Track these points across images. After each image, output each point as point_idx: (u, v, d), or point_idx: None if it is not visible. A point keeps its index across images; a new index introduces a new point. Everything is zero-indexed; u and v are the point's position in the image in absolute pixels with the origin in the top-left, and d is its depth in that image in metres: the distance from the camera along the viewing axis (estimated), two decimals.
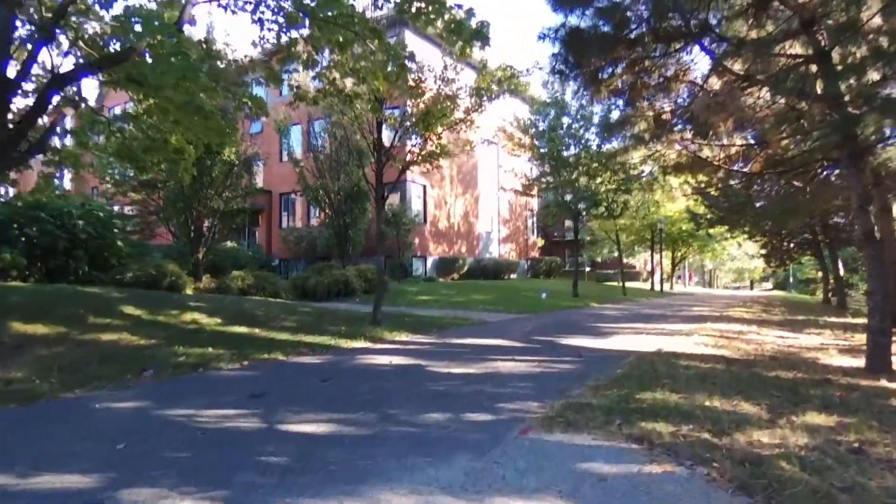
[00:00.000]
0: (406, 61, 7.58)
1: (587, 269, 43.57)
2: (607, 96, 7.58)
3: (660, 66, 7.25)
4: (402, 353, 6.64)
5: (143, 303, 8.74)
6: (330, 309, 11.34)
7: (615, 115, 7.75)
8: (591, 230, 35.25)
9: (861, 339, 7.28)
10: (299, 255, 23.26)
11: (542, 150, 19.07)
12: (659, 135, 6.80)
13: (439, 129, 10.35)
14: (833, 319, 12.66)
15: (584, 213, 20.12)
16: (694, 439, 3.16)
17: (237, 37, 46.72)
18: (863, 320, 12.99)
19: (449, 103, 9.32)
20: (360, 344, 7.33)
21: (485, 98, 10.49)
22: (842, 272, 19.38)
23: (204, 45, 7.57)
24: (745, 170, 6.51)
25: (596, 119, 17.26)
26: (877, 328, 5.62)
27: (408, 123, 10.27)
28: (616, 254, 42.83)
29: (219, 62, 7.57)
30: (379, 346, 7.34)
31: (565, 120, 18.36)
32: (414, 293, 16.77)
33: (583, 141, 18.25)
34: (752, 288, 60.73)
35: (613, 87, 7.39)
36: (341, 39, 6.63)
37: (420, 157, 10.54)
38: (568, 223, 27.44)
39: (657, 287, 30.13)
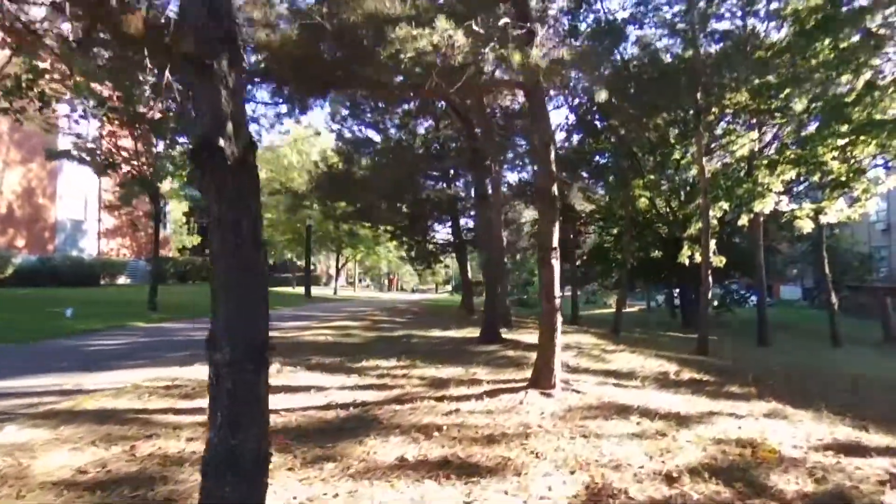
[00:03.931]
0: None
1: None
2: None
3: None
4: None
5: None
6: None
7: None
8: None
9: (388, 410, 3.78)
10: None
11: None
12: None
13: None
14: (439, 333, 10.24)
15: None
16: None
17: None
18: (467, 331, 11.18)
19: None
20: None
21: None
22: (470, 275, 18.71)
23: None
24: None
25: None
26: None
27: None
28: (291, 256, 38.76)
29: None
30: None
31: None
32: None
33: None
34: (436, 291, 62.56)
35: None
36: None
37: None
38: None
39: (332, 291, 26.69)
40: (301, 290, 26.80)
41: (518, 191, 21.10)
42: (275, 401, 4.46)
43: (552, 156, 4.90)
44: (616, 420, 4.20)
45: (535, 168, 4.96)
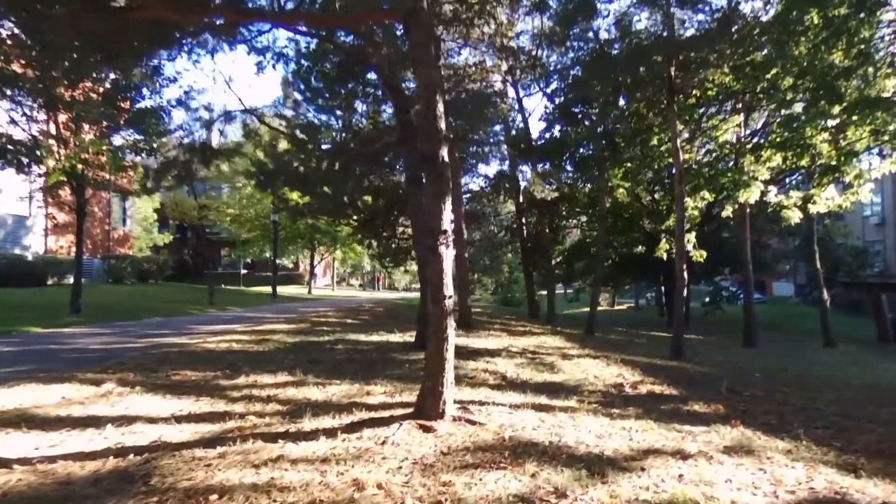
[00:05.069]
0: None
1: (243, 271, 36.81)
2: None
3: None
4: None
5: None
6: None
7: None
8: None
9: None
10: None
11: None
12: None
13: None
14: (378, 337, 8.98)
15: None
16: None
17: None
18: (410, 336, 8.85)
19: None
20: None
21: None
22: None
23: None
24: None
25: None
26: None
27: None
28: (269, 254, 37.39)
29: None
30: None
31: None
32: None
33: None
34: None
35: None
36: None
37: None
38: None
39: (307, 290, 25.38)
40: (280, 288, 25.50)
41: (491, 182, 19.98)
42: (33, 443, 3.20)
43: (440, 108, 3.66)
44: (504, 470, 2.96)
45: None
